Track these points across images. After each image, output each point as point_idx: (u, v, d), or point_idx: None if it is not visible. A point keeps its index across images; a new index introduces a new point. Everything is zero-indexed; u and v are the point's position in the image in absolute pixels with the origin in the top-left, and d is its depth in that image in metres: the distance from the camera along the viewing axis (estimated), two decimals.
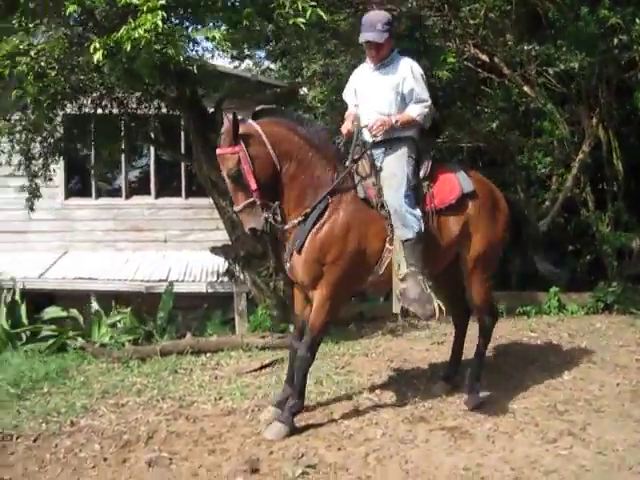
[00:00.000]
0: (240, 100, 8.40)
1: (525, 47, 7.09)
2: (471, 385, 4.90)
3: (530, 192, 8.77)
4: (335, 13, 7.26)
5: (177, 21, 5.91)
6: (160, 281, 10.50)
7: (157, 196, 11.67)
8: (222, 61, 8.11)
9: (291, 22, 5.29)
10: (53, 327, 7.95)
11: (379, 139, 4.47)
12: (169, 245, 11.60)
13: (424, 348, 6.41)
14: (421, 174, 4.57)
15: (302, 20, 5.24)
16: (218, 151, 4.23)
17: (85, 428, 4.55)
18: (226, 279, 8.65)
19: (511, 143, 8.18)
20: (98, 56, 5.00)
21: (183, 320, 8.95)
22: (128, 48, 4.91)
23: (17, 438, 4.41)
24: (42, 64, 5.62)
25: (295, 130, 4.41)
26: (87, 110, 7.67)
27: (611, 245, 8.08)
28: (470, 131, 8.38)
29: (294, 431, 4.38)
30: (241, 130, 4.16)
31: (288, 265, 4.48)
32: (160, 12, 4.72)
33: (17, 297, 9.00)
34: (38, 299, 10.23)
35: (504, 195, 5.11)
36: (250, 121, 4.30)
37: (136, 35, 4.86)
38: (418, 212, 4.42)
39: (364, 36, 4.44)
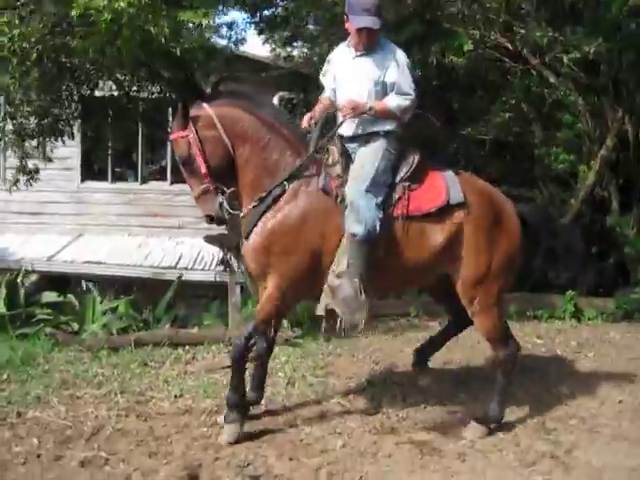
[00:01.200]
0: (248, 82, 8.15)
1: (548, 33, 6.57)
2: (484, 416, 4.30)
3: (550, 190, 8.22)
4: None
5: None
6: (169, 268, 10.34)
7: (173, 182, 11.48)
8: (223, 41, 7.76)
9: None
10: (47, 311, 7.79)
11: (355, 133, 4.09)
12: (183, 232, 11.39)
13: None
14: (401, 174, 4.10)
15: None
16: (171, 136, 4.06)
17: (30, 420, 4.29)
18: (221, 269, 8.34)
19: (529, 136, 7.68)
20: (75, 12, 4.78)
21: (186, 309, 8.75)
22: (108, 18, 4.70)
23: None
24: (24, 45, 5.41)
25: (252, 112, 4.08)
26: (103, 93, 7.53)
27: (635, 249, 7.51)
28: (485, 123, 7.90)
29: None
30: (192, 113, 3.95)
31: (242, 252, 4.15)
32: None
33: (19, 279, 8.87)
34: (54, 282, 10.18)
35: (519, 209, 4.39)
36: (203, 104, 4.05)
37: (119, 5, 4.63)
38: (379, 211, 3.95)
39: (357, 21, 3.97)
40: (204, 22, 5.16)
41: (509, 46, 7.82)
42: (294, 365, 5.44)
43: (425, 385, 4.99)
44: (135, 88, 7.34)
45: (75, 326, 7.67)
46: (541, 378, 5.28)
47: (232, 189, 4.01)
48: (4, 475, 3.61)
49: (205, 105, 4.03)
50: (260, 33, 9.40)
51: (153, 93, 7.49)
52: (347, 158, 4.12)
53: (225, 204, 3.95)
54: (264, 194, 4.00)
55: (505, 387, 4.36)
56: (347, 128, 4.13)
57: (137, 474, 3.63)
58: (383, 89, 4.05)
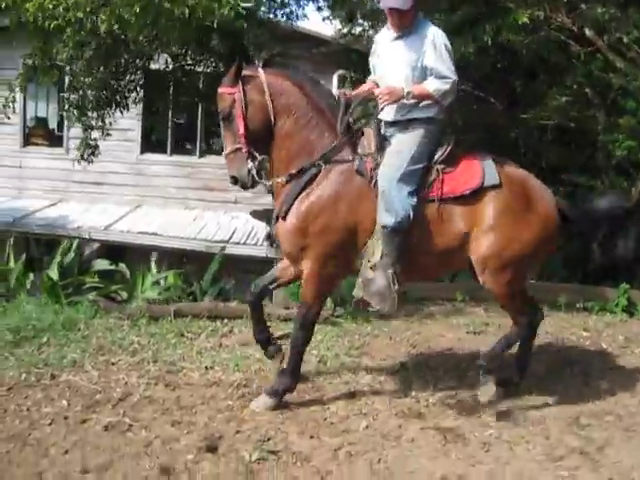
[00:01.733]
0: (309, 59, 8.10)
1: (610, 11, 6.26)
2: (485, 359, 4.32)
3: (610, 179, 7.91)
4: None
5: None
6: (222, 242, 10.43)
7: None
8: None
9: None
10: (97, 279, 7.98)
11: (395, 119, 4.02)
12: (239, 206, 11.49)
13: (456, 337, 5.88)
14: (436, 157, 4.02)
15: None
16: (218, 90, 4.03)
17: (62, 383, 4.40)
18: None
19: (591, 122, 7.38)
20: None
21: (236, 284, 8.82)
22: (137, 9, 4.83)
23: None
24: (79, 15, 5.50)
25: (301, 87, 4.05)
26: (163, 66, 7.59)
27: None
28: (546, 107, 7.64)
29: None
30: (244, 73, 3.97)
31: (274, 230, 4.12)
32: None
33: (74, 247, 9.10)
34: (112, 250, 10.44)
35: (556, 199, 4.29)
36: (258, 67, 4.07)
37: None
38: (412, 199, 3.88)
39: (385, 2, 3.89)
40: None
41: (574, 27, 7.50)
42: (329, 344, 5.40)
43: (460, 372, 4.90)
44: (190, 62, 7.37)
45: (124, 295, 7.82)
46: (582, 372, 5.10)
47: (264, 156, 4.01)
48: (31, 433, 3.72)
49: (259, 69, 4.04)
50: (319, 9, 9.32)
51: (208, 67, 7.51)
52: (383, 141, 4.05)
53: (253, 170, 3.95)
54: (295, 171, 3.97)
55: (510, 343, 4.40)
56: (387, 113, 4.07)
57: (157, 441, 3.68)
58: (421, 73, 3.96)
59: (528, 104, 8.55)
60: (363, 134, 4.10)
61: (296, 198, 3.97)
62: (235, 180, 4.03)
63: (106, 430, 3.78)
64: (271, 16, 7.48)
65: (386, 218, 3.85)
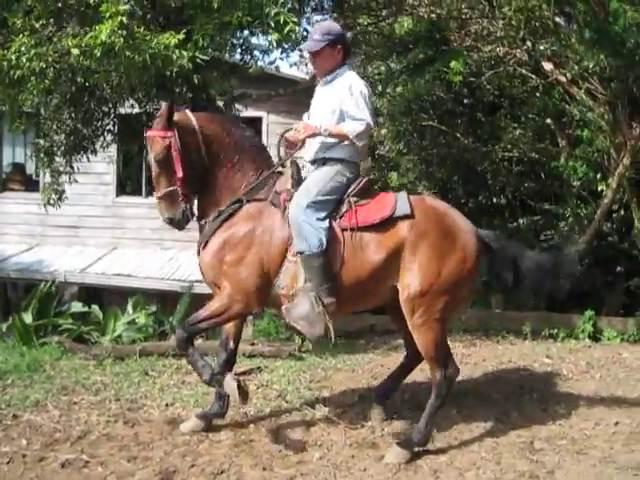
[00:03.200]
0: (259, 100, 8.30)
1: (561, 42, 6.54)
2: (407, 440, 4.18)
3: (570, 207, 8.12)
4: None
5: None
6: (197, 281, 10.49)
7: None
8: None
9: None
10: (71, 321, 8.04)
11: (314, 158, 4.24)
12: None
13: (418, 368, 5.93)
14: (349, 190, 4.19)
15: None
16: (149, 133, 4.11)
17: (23, 423, 4.46)
18: None
19: (548, 152, 7.62)
20: (75, 52, 5.06)
21: None
22: (98, 53, 5.01)
23: None
24: (42, 65, 5.68)
25: (229, 130, 4.28)
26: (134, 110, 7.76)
27: None
28: (509, 140, 7.91)
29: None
30: (176, 117, 4.08)
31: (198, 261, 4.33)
32: (120, 17, 4.71)
33: (51, 290, 9.16)
34: (89, 293, 10.49)
35: (480, 233, 4.34)
36: (187, 111, 4.22)
37: (101, 40, 4.93)
38: (322, 225, 4.03)
39: (302, 45, 4.32)
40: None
41: (530, 62, 7.80)
42: (291, 378, 5.49)
43: (418, 402, 4.97)
44: (156, 106, 7.54)
45: (96, 336, 7.87)
46: (540, 398, 5.19)
47: (195, 197, 4.22)
48: None
49: (189, 113, 4.18)
50: (283, 52, 9.59)
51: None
52: (300, 176, 4.24)
53: (188, 211, 4.13)
54: (223, 208, 4.16)
55: (434, 411, 4.21)
56: (308, 152, 4.28)
57: (112, 477, 3.75)
58: (340, 116, 4.15)
59: (490, 137, 8.81)
60: (283, 169, 4.29)
61: (215, 232, 4.13)
62: (170, 221, 4.16)
63: (63, 467, 3.85)
64: (237, 59, 7.67)
65: (299, 244, 4.00)
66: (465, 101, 9.70)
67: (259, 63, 8.05)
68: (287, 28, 5.44)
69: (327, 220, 4.08)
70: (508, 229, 9.98)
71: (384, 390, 4.77)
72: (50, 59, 5.65)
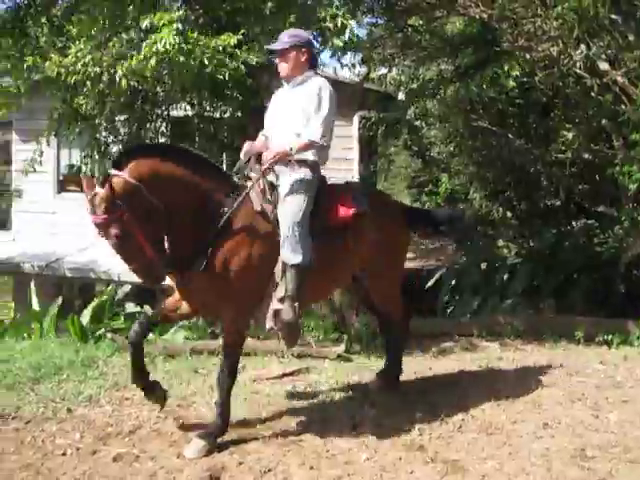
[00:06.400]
0: None
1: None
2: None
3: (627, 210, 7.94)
4: None
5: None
6: None
7: None
8: None
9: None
10: (124, 321, 8.19)
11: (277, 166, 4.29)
12: None
13: (468, 372, 5.90)
14: (316, 194, 4.36)
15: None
16: (95, 220, 3.64)
17: (77, 417, 4.59)
18: None
19: (597, 155, 7.46)
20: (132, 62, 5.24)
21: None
22: (154, 62, 5.11)
23: (13, 419, 4.52)
24: (97, 70, 5.84)
25: (172, 163, 3.92)
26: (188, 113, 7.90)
27: None
28: (549, 141, 7.77)
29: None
30: (117, 190, 3.61)
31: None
32: (175, 25, 4.80)
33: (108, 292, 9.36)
34: (144, 292, 10.66)
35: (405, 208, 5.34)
36: (122, 174, 3.69)
37: (157, 49, 5.04)
38: (309, 240, 4.18)
39: (268, 45, 4.58)
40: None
41: (586, 61, 7.63)
42: (339, 379, 5.50)
43: (467, 407, 4.93)
44: (208, 109, 7.64)
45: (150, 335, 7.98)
46: (592, 405, 5.07)
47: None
48: (44, 463, 3.90)
49: (124, 174, 3.70)
50: (332, 55, 9.62)
51: (225, 112, 7.78)
52: (272, 185, 4.30)
53: (169, 267, 3.95)
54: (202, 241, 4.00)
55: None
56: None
57: (162, 472, 3.82)
58: (305, 117, 4.25)
59: (543, 139, 8.67)
60: (252, 180, 4.26)
61: (207, 250, 3.99)
62: (158, 281, 3.95)
63: (115, 461, 3.94)
64: None
65: (296, 258, 4.10)
66: (517, 102, 9.55)
67: None
68: (347, 31, 5.50)
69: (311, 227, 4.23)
70: (561, 232, 9.82)
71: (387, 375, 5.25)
72: (105, 64, 5.80)
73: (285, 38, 4.37)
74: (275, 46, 4.39)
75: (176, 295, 4.37)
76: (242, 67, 5.58)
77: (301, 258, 4.10)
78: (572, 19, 6.96)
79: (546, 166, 9.61)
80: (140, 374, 4.32)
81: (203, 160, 4.20)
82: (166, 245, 3.94)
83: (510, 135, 9.61)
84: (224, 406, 4.23)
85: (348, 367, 5.91)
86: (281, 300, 4.14)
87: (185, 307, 4.38)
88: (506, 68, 6.82)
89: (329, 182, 4.57)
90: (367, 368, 5.90)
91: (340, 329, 7.16)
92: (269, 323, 4.21)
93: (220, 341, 6.25)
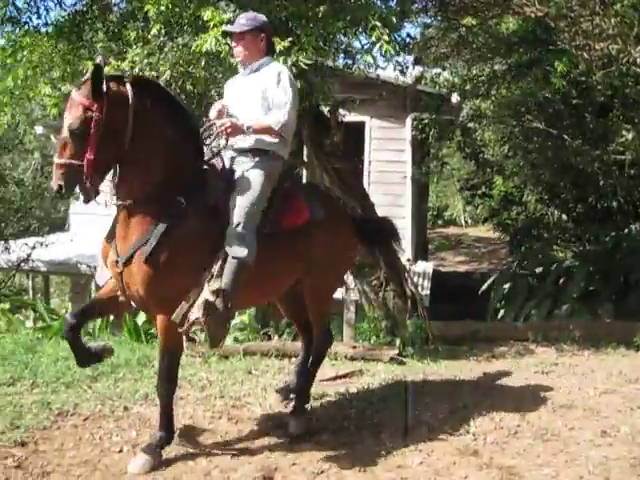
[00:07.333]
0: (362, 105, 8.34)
1: None
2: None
3: None
4: None
5: None
6: None
7: None
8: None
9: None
10: None
11: (241, 147, 4.09)
12: None
13: (523, 376, 5.81)
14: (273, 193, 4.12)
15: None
16: (72, 95, 3.55)
17: (134, 415, 4.66)
18: None
19: None
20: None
21: None
22: (203, 62, 5.21)
23: (71, 415, 4.61)
24: (153, 74, 5.95)
25: (169, 108, 3.82)
26: None
27: None
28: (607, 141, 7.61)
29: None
30: (112, 88, 3.55)
31: (117, 266, 3.85)
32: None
33: None
34: None
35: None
36: (125, 80, 3.68)
37: (206, 49, 5.11)
38: (254, 236, 3.92)
39: (224, 27, 4.54)
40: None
41: None
42: (391, 382, 5.48)
43: (523, 412, 4.85)
44: None
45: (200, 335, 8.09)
46: None
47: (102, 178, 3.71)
48: (101, 460, 3.97)
49: (127, 84, 3.66)
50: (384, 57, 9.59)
51: None
52: (231, 174, 4.06)
53: (92, 191, 3.64)
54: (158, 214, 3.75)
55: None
56: (237, 141, 4.08)
57: (216, 471, 3.84)
58: (265, 105, 4.06)
59: (600, 139, 8.50)
60: (213, 166, 4.04)
61: (159, 239, 3.70)
62: (58, 191, 3.58)
63: (170, 459, 3.97)
64: (340, 65, 7.71)
65: (239, 251, 3.82)
66: (574, 102, 9.38)
67: (361, 67, 8.09)
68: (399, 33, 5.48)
69: (262, 226, 4.01)
70: (619, 235, 9.59)
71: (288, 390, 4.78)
72: (161, 69, 5.89)
73: (242, 21, 4.14)
74: (232, 28, 4.19)
75: (108, 289, 4.11)
76: (292, 69, 5.58)
77: (246, 252, 3.84)
78: (631, 16, 6.80)
79: (604, 167, 9.40)
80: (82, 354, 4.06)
81: (196, 135, 3.99)
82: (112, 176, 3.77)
83: (566, 136, 9.44)
84: (165, 415, 4.03)
85: (401, 370, 5.89)
86: (215, 293, 3.79)
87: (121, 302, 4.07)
88: (558, 67, 6.67)
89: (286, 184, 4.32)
90: (420, 371, 5.87)
91: (393, 332, 7.14)
92: (196, 313, 3.76)
93: (273, 343, 6.35)
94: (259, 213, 3.99)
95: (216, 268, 3.84)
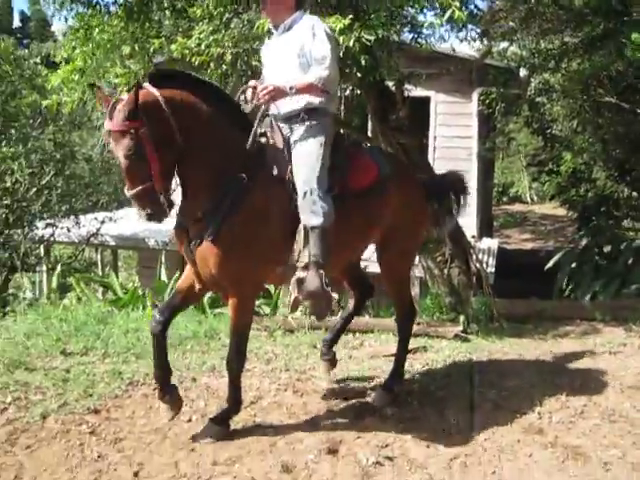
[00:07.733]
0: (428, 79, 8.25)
1: None
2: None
3: None
4: None
5: None
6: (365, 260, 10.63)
7: None
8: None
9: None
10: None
11: (286, 110, 3.94)
12: None
13: (590, 356, 5.70)
14: (336, 156, 4.01)
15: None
16: (111, 127, 3.42)
17: (201, 386, 4.79)
18: None
19: None
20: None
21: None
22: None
23: (141, 385, 4.78)
24: (219, 51, 6.02)
25: (204, 100, 3.71)
26: None
27: None
28: None
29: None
30: (141, 100, 3.39)
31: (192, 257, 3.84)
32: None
33: None
34: None
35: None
36: (151, 88, 3.53)
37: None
38: (329, 199, 3.83)
39: None
40: None
41: None
42: (456, 359, 5.47)
43: (590, 392, 4.78)
44: None
45: (266, 309, 8.24)
46: None
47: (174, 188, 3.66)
48: (171, 428, 4.10)
49: (154, 91, 3.52)
50: (452, 29, 9.40)
51: (345, 90, 7.82)
52: (287, 142, 3.97)
53: (166, 204, 3.56)
54: (221, 195, 3.72)
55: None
56: (279, 107, 3.95)
57: (282, 442, 3.91)
58: (304, 62, 3.92)
59: None
60: (268, 137, 3.98)
61: (226, 218, 3.68)
62: (150, 217, 3.56)
63: (236, 429, 4.08)
64: (406, 39, 7.62)
65: (315, 219, 3.76)
66: None
67: (428, 41, 7.98)
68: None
69: (331, 189, 3.91)
70: None
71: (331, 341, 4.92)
72: (227, 44, 5.95)
73: None
74: None
75: (187, 280, 4.06)
76: (355, 45, 5.54)
77: (322, 219, 3.76)
78: None
79: None
80: (162, 370, 4.00)
81: (239, 112, 3.90)
82: (174, 185, 3.65)
83: (639, 111, 9.13)
84: (233, 387, 4.09)
85: (465, 347, 5.87)
86: (305, 267, 3.79)
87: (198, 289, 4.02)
88: (634, 39, 6.45)
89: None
90: (485, 349, 5.84)
91: (456, 309, 7.10)
92: (294, 292, 3.81)
93: (338, 318, 6.39)
94: (325, 175, 3.89)
95: (300, 242, 3.82)
